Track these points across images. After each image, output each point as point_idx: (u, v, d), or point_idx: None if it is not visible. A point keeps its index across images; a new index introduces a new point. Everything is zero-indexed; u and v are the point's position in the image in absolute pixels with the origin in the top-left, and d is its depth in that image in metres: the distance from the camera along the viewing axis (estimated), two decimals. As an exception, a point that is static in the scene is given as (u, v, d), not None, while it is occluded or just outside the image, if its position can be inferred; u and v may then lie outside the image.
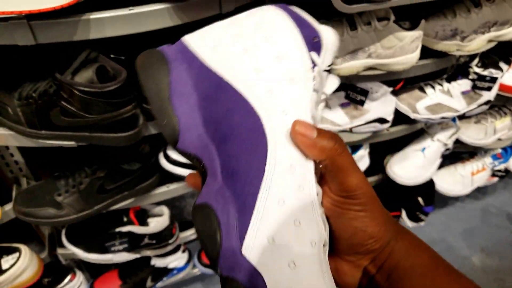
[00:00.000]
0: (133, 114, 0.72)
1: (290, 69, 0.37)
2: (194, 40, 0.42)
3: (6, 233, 0.99)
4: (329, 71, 0.41)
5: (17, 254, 0.97)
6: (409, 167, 1.30)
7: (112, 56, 0.74)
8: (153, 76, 0.39)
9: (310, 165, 0.34)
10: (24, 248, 0.99)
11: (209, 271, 1.34)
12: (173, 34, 0.75)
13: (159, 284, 1.30)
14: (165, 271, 1.28)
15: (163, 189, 1.01)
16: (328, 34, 0.40)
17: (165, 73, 0.39)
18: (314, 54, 0.38)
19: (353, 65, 0.90)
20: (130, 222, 1.03)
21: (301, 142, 0.34)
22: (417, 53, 0.94)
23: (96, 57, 0.70)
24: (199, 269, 1.35)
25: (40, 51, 0.76)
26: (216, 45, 0.40)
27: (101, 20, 0.63)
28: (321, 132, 0.34)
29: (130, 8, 0.64)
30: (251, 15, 0.41)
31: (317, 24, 0.40)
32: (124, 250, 1.04)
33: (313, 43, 0.39)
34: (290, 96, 0.36)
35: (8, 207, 0.90)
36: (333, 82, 0.42)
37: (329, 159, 0.34)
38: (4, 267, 0.95)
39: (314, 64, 0.38)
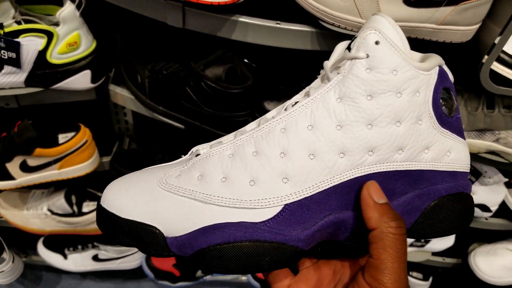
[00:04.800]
0: (244, 120, 0.73)
1: None
2: None
3: (94, 181, 1.06)
4: None
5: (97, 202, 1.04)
6: (495, 264, 1.18)
7: (245, 60, 0.76)
8: None
9: None
10: (105, 198, 1.05)
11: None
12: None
13: (208, 277, 1.33)
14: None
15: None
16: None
17: None
18: None
19: (476, 144, 0.84)
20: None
21: (364, 200, 0.34)
22: (550, 153, 0.85)
23: (231, 57, 0.72)
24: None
25: (175, 35, 0.81)
26: None
27: (247, 25, 0.64)
28: (388, 205, 0.34)
29: (278, 22, 0.65)
30: None
31: None
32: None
33: None
34: None
35: (106, 159, 0.97)
36: None
37: (379, 233, 0.33)
38: (84, 210, 1.03)
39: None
